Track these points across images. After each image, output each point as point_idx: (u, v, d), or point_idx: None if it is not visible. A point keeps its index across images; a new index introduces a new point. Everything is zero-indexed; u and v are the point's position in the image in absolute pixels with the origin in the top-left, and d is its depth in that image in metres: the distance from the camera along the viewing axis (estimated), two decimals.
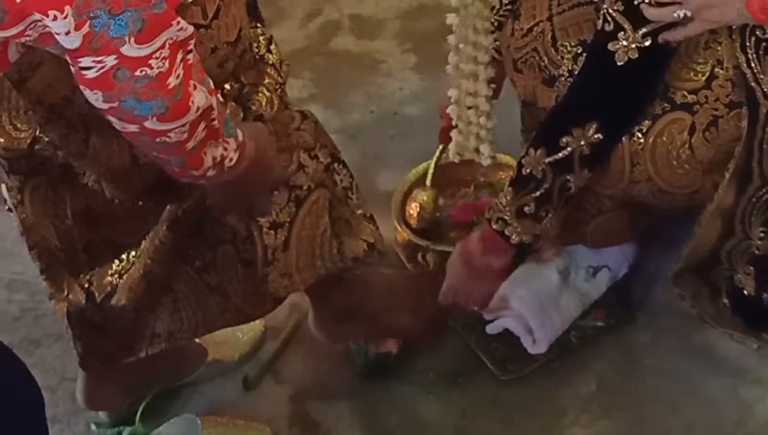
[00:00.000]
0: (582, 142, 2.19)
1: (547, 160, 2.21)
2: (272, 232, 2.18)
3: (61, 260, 2.24)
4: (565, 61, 2.29)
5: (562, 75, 2.29)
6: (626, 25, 2.09)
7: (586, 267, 2.47)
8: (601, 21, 2.13)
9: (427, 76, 3.15)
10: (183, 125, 1.70)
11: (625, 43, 2.10)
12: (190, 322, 2.27)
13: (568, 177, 2.22)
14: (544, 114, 2.34)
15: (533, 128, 2.41)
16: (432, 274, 2.56)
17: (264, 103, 2.07)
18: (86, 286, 2.25)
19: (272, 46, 2.10)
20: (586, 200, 2.35)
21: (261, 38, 2.09)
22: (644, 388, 2.36)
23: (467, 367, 2.45)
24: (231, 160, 1.87)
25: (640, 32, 2.09)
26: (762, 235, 2.24)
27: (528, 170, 2.23)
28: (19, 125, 2.08)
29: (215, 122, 1.78)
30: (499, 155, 2.66)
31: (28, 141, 2.08)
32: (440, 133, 2.62)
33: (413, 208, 2.66)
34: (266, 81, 2.08)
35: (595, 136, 2.18)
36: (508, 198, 2.27)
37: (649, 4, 2.04)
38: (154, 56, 1.55)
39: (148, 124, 1.65)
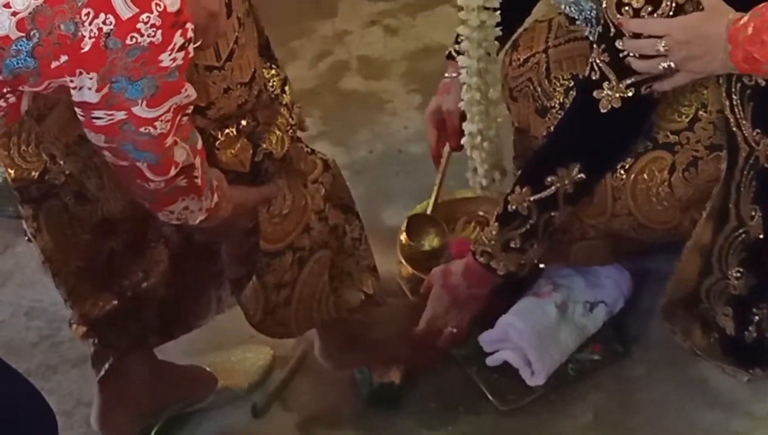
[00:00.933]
0: (566, 182, 2.20)
1: (533, 198, 2.23)
2: (276, 290, 2.20)
3: (86, 279, 2.24)
4: (557, 93, 2.32)
5: (554, 107, 2.32)
6: (611, 76, 2.11)
7: (584, 302, 2.47)
8: (588, 69, 2.15)
9: None
10: (163, 180, 1.75)
11: (609, 92, 2.12)
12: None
13: (553, 213, 2.24)
14: (536, 142, 2.36)
15: (524, 155, 2.44)
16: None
17: (274, 142, 2.08)
18: (116, 289, 2.26)
19: (286, 87, 2.11)
20: (570, 225, 2.35)
21: (275, 79, 2.09)
22: (640, 419, 2.36)
23: (468, 398, 2.44)
24: (195, 218, 1.92)
25: (625, 83, 2.10)
26: (738, 274, 2.24)
27: (514, 207, 2.25)
28: (27, 158, 2.10)
29: (198, 179, 1.83)
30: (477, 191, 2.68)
31: (39, 171, 2.11)
32: (434, 154, 2.62)
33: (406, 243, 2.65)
34: (279, 120, 2.09)
35: (578, 175, 2.20)
36: (494, 233, 2.29)
37: (635, 57, 2.06)
38: (159, 119, 1.60)
39: (139, 165, 1.70)
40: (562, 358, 2.43)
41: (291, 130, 2.11)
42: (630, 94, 2.11)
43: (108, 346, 2.31)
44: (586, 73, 2.16)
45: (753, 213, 2.18)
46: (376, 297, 2.32)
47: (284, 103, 2.10)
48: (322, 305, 2.27)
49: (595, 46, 2.15)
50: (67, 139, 2.03)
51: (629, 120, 2.18)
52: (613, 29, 2.08)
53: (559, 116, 2.30)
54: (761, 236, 2.19)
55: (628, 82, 2.10)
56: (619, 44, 2.07)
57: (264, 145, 2.07)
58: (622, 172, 2.25)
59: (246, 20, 2.00)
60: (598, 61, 2.12)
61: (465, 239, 2.67)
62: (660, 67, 2.05)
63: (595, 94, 2.13)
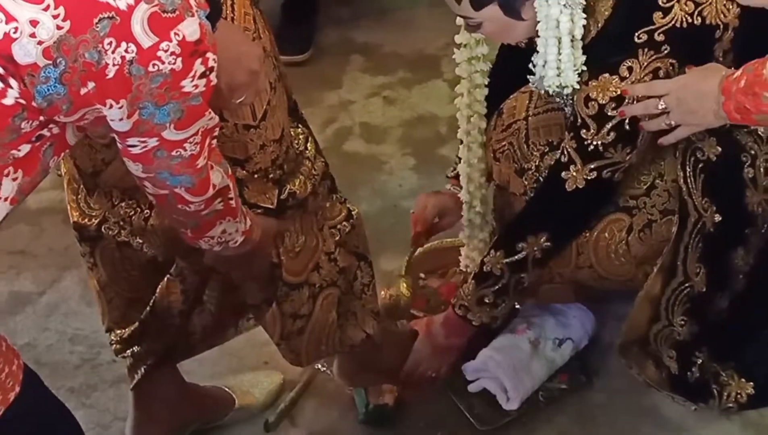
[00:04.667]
0: (535, 248, 2.22)
1: (505, 260, 2.25)
2: (291, 319, 2.20)
3: (136, 307, 2.26)
4: (534, 156, 2.32)
5: (530, 168, 2.33)
6: (577, 160, 2.13)
7: (553, 339, 2.49)
8: (559, 152, 2.17)
9: (423, 175, 3.17)
10: (202, 200, 1.70)
11: (574, 174, 2.14)
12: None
13: (522, 275, 2.26)
14: (514, 198, 2.37)
15: (502, 209, 2.46)
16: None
17: (297, 184, 2.06)
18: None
19: (309, 143, 2.10)
20: (542, 269, 2.35)
21: (301, 136, 2.09)
22: None
23: (451, 419, 2.47)
24: (236, 241, 1.88)
25: (588, 167, 2.12)
26: (682, 322, 2.27)
27: (489, 268, 2.27)
28: (91, 205, 2.12)
29: (232, 202, 1.78)
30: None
31: (98, 221, 2.12)
32: (412, 238, 2.61)
33: (387, 298, 2.62)
34: (302, 168, 2.08)
35: (546, 244, 2.22)
36: (470, 289, 2.31)
37: (638, 118, 2.08)
38: (188, 141, 1.54)
39: (177, 190, 1.65)
40: (533, 386, 2.45)
41: (313, 178, 2.10)
42: (593, 176, 2.13)
43: (138, 359, 2.32)
44: (558, 156, 2.18)
45: (698, 270, 2.21)
46: (375, 338, 2.32)
47: (307, 156, 2.09)
48: (329, 340, 2.27)
49: (566, 132, 2.17)
50: (123, 186, 2.04)
51: (590, 198, 2.19)
52: (580, 120, 2.10)
53: (535, 177, 2.31)
54: (704, 290, 2.22)
55: (591, 166, 2.12)
56: (583, 133, 2.10)
57: (288, 186, 2.06)
58: (586, 231, 2.27)
59: (277, 85, 2.00)
60: (567, 146, 2.14)
61: (452, 284, 2.67)
62: (663, 124, 2.06)
63: (563, 174, 2.15)
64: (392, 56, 3.68)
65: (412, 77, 3.58)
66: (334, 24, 3.81)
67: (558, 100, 2.27)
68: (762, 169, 2.14)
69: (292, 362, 2.32)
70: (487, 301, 2.29)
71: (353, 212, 2.23)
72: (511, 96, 2.42)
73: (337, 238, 2.19)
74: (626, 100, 2.06)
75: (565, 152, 2.15)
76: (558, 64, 2.08)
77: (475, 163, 2.42)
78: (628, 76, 2.04)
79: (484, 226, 2.51)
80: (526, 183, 2.34)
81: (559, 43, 2.06)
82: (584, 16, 2.04)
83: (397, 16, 3.84)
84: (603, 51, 2.07)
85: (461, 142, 2.44)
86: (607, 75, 2.06)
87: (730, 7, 2.04)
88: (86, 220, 2.14)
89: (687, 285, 2.24)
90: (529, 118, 2.35)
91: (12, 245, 2.98)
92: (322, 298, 2.20)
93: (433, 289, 2.70)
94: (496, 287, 2.27)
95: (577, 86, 2.10)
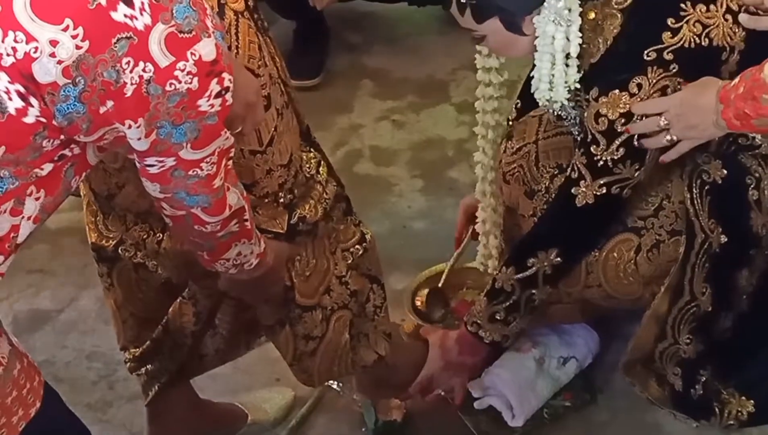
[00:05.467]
0: (545, 263, 2.21)
1: (516, 277, 2.23)
2: (304, 340, 2.19)
3: (150, 328, 2.26)
4: (544, 178, 2.33)
5: (540, 190, 2.33)
6: (587, 176, 2.12)
7: (558, 357, 2.49)
8: (569, 169, 2.16)
9: (431, 197, 3.17)
10: (219, 221, 1.69)
11: (584, 189, 2.13)
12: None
13: (533, 291, 2.24)
14: (523, 220, 2.37)
15: (512, 230, 2.44)
16: None
17: (307, 209, 2.05)
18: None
19: (320, 167, 2.09)
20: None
21: (312, 160, 2.08)
22: None
23: None
24: (251, 264, 1.87)
25: (598, 182, 2.11)
26: (688, 341, 2.26)
27: (500, 284, 2.25)
28: (109, 226, 2.12)
29: (248, 223, 1.77)
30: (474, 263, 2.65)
31: (114, 242, 2.12)
32: (455, 242, 2.63)
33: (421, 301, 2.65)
34: (313, 193, 2.07)
35: (556, 259, 2.20)
36: (482, 306, 2.29)
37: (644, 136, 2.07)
38: (205, 160, 1.54)
39: (194, 210, 1.64)
40: (538, 404, 2.45)
41: (325, 202, 2.09)
42: (602, 192, 2.12)
43: (152, 377, 2.32)
44: (568, 172, 2.17)
45: (704, 290, 2.20)
46: (387, 359, 2.31)
47: (318, 180, 2.08)
48: (341, 361, 2.26)
49: (576, 149, 2.16)
50: (137, 209, 2.04)
51: (600, 214, 2.18)
52: (590, 136, 2.10)
53: (545, 198, 2.32)
54: (710, 309, 2.21)
55: (601, 181, 2.11)
56: (593, 149, 2.09)
57: (298, 210, 2.04)
58: (595, 250, 2.26)
59: (285, 111, 1.98)
60: (577, 162, 2.13)
61: (465, 302, 2.66)
62: (664, 140, 2.04)
63: (573, 190, 2.14)
64: (401, 81, 3.68)
65: (420, 101, 3.58)
66: (345, 49, 3.82)
67: (566, 122, 2.27)
68: (766, 192, 2.13)
69: (304, 382, 2.31)
70: (498, 317, 2.27)
71: (366, 235, 2.22)
72: (521, 120, 2.42)
73: (349, 261, 2.18)
74: (634, 118, 2.06)
75: (575, 168, 2.14)
76: (550, 79, 2.09)
77: (490, 164, 2.43)
78: (637, 92, 2.04)
79: (499, 226, 2.51)
80: (535, 204, 2.34)
81: (554, 58, 2.06)
82: (581, 34, 2.03)
83: (406, 42, 3.85)
84: (612, 67, 2.07)
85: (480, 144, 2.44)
86: (616, 91, 2.05)
87: (737, 30, 2.04)
88: (104, 241, 2.14)
89: (693, 304, 2.23)
90: (539, 141, 2.36)
91: (31, 264, 2.98)
92: (335, 319, 2.19)
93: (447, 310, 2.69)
94: (508, 304, 2.26)
95: (566, 102, 2.11)
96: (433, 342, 2.42)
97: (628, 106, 2.04)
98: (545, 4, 2.01)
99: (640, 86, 2.03)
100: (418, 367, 2.43)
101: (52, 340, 2.81)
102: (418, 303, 2.68)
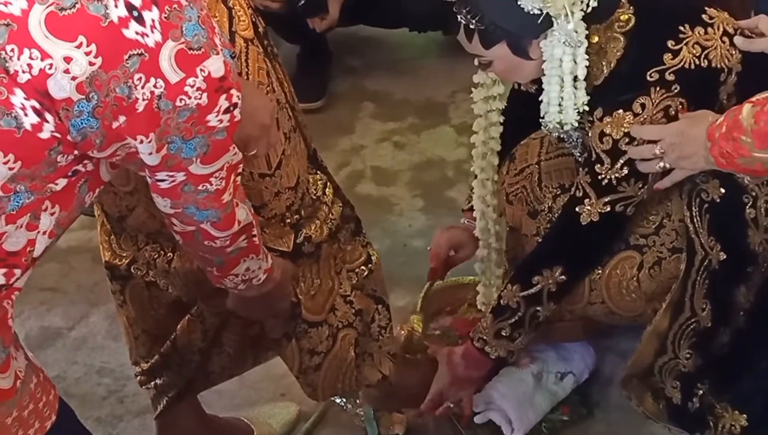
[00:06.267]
0: (550, 281, 2.19)
1: (521, 294, 2.22)
2: (309, 355, 2.19)
3: (161, 344, 2.26)
4: (547, 198, 2.33)
5: (543, 210, 2.33)
6: (591, 194, 2.11)
7: (555, 372, 2.48)
8: (573, 188, 2.16)
9: (432, 216, 3.16)
10: (228, 235, 1.69)
11: (589, 207, 2.12)
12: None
13: (538, 308, 2.23)
14: (526, 239, 2.36)
15: (514, 250, 2.44)
16: None
17: (313, 229, 2.06)
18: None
19: (327, 189, 2.10)
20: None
21: (319, 182, 2.09)
22: None
23: None
24: (259, 279, 1.86)
25: (602, 201, 2.11)
26: (688, 355, 2.24)
27: (505, 301, 2.24)
28: (122, 245, 2.12)
29: (256, 239, 1.77)
30: (474, 278, 2.65)
31: (127, 261, 2.12)
32: (429, 272, 2.59)
33: (403, 333, 2.58)
34: (319, 214, 2.08)
35: (560, 277, 2.19)
36: (488, 322, 2.27)
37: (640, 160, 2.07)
38: (214, 175, 1.53)
39: (203, 226, 1.64)
40: (536, 418, 2.44)
41: (330, 223, 2.09)
42: (606, 210, 2.11)
43: (161, 391, 2.32)
44: (572, 192, 2.16)
45: (704, 306, 2.19)
46: (390, 378, 2.31)
47: (325, 201, 2.09)
48: (346, 378, 2.26)
49: (580, 169, 2.15)
50: (147, 230, 2.05)
51: (604, 232, 2.17)
52: (594, 155, 2.09)
53: (548, 217, 2.32)
54: (709, 325, 2.20)
55: (606, 200, 2.11)
56: (598, 168, 2.09)
57: (304, 230, 2.05)
58: (598, 267, 2.26)
59: (292, 135, 1.99)
60: (581, 181, 2.13)
61: (464, 319, 2.67)
62: (657, 167, 2.04)
63: (577, 208, 2.13)
64: (402, 103, 3.69)
65: (420, 123, 3.59)
66: (347, 73, 3.83)
67: (567, 144, 2.27)
68: (763, 210, 2.13)
69: (309, 396, 2.30)
70: (504, 334, 2.26)
71: (373, 257, 2.22)
72: (522, 142, 2.42)
73: (353, 281, 2.18)
74: (635, 141, 2.06)
75: (580, 187, 2.14)
76: (560, 102, 2.08)
77: (488, 199, 2.42)
78: (641, 112, 2.04)
79: (500, 262, 2.50)
80: (538, 224, 2.34)
81: (562, 81, 2.06)
82: (587, 57, 2.03)
83: (406, 66, 3.86)
84: (615, 89, 2.07)
85: (475, 177, 2.43)
86: (620, 111, 2.05)
87: (734, 52, 2.05)
88: (117, 260, 2.14)
89: (693, 320, 2.22)
90: (541, 162, 2.36)
91: (43, 283, 2.97)
92: (341, 337, 2.19)
93: (446, 326, 2.67)
94: (513, 320, 2.24)
95: (576, 124, 2.10)
96: (440, 359, 2.41)
97: (631, 125, 2.05)
98: (555, 26, 1.99)
99: (643, 106, 2.04)
100: (425, 381, 2.42)
101: (63, 356, 2.81)
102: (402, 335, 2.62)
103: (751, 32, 2.05)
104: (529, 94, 2.30)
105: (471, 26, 2.03)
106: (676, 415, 2.33)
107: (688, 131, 1.98)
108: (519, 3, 1.95)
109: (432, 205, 3.23)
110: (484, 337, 2.29)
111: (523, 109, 2.30)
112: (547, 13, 1.96)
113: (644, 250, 2.24)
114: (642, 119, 2.04)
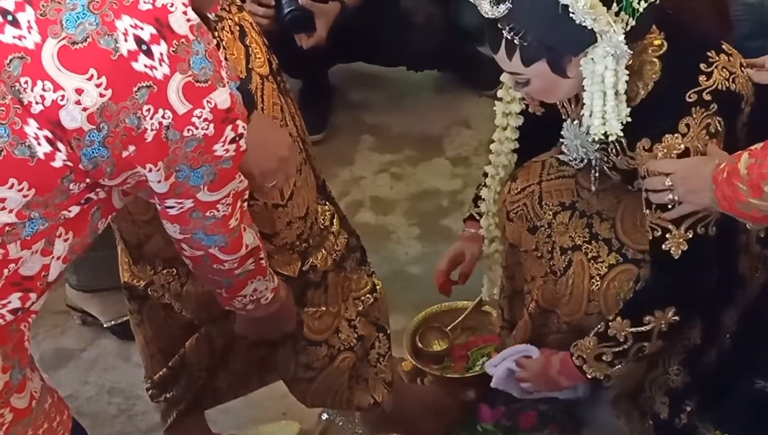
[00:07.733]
0: (662, 322, 2.10)
1: (630, 329, 2.13)
2: (304, 368, 2.18)
3: (175, 361, 2.26)
4: (547, 215, 2.29)
5: (543, 226, 2.29)
6: (669, 226, 2.04)
7: None
8: (650, 232, 2.08)
9: (427, 244, 3.16)
10: (236, 259, 1.69)
11: (674, 240, 2.05)
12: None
13: (645, 344, 2.14)
14: (524, 255, 2.34)
15: (513, 268, 2.41)
16: (439, 391, 2.55)
17: (319, 258, 2.06)
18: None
19: (334, 220, 2.09)
20: (550, 320, 2.33)
21: (327, 213, 2.08)
22: None
23: None
24: (266, 298, 1.87)
25: (683, 228, 2.04)
26: (677, 371, 2.23)
27: (613, 333, 2.15)
28: (136, 272, 2.13)
29: (263, 261, 1.77)
30: (467, 303, 2.68)
31: (145, 283, 2.12)
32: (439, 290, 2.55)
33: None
34: (326, 243, 2.07)
35: (674, 318, 2.10)
36: (592, 344, 2.18)
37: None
38: (221, 202, 1.53)
39: (211, 250, 1.64)
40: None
41: (335, 253, 2.08)
42: (690, 236, 2.04)
43: (170, 405, 2.32)
44: (650, 237, 2.09)
45: (694, 324, 2.18)
46: (383, 405, 2.29)
47: (332, 231, 2.08)
48: (336, 396, 2.24)
49: (646, 211, 2.08)
50: (164, 256, 2.05)
51: (699, 258, 2.08)
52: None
53: (547, 232, 2.28)
54: (698, 343, 2.19)
55: (685, 226, 2.04)
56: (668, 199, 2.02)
57: (311, 259, 2.05)
58: (597, 279, 2.22)
59: (303, 167, 1.99)
60: (653, 221, 2.06)
61: (460, 346, 2.66)
62: (666, 199, 2.00)
63: (664, 246, 2.06)
64: (399, 136, 3.68)
65: (417, 155, 3.59)
66: (348, 107, 3.82)
67: (572, 164, 2.28)
68: (753, 235, 2.11)
69: (298, 399, 2.28)
70: (605, 359, 2.18)
71: (377, 286, 2.21)
72: (524, 165, 2.40)
73: (359, 308, 2.18)
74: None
75: (655, 226, 2.07)
76: (603, 114, 2.02)
77: (496, 197, 2.40)
78: (687, 132, 2.00)
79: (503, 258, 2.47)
80: (537, 238, 2.31)
81: (605, 96, 2.01)
82: (627, 72, 1.98)
83: (404, 101, 3.84)
84: (655, 111, 2.03)
85: (484, 184, 2.42)
86: (668, 136, 2.01)
87: (750, 83, 2.05)
88: (135, 281, 2.15)
89: (684, 337, 2.20)
90: (543, 182, 2.34)
91: (56, 306, 2.95)
92: (339, 360, 2.18)
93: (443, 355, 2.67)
94: (617, 350, 2.16)
95: (621, 134, 2.04)
96: (543, 352, 2.34)
97: (683, 146, 2.00)
98: (599, 40, 1.93)
99: (688, 126, 1.99)
100: (424, 406, 2.41)
101: (75, 377, 2.81)
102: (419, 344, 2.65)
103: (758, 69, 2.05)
104: (535, 118, 2.28)
105: (515, 42, 1.97)
106: (662, 432, 2.31)
107: (698, 168, 1.96)
108: (571, 15, 1.88)
109: (428, 233, 3.22)
110: (584, 356, 2.21)
111: (528, 133, 2.30)
112: (591, 30, 1.90)
113: (641, 264, 2.21)
114: (689, 140, 2.00)
